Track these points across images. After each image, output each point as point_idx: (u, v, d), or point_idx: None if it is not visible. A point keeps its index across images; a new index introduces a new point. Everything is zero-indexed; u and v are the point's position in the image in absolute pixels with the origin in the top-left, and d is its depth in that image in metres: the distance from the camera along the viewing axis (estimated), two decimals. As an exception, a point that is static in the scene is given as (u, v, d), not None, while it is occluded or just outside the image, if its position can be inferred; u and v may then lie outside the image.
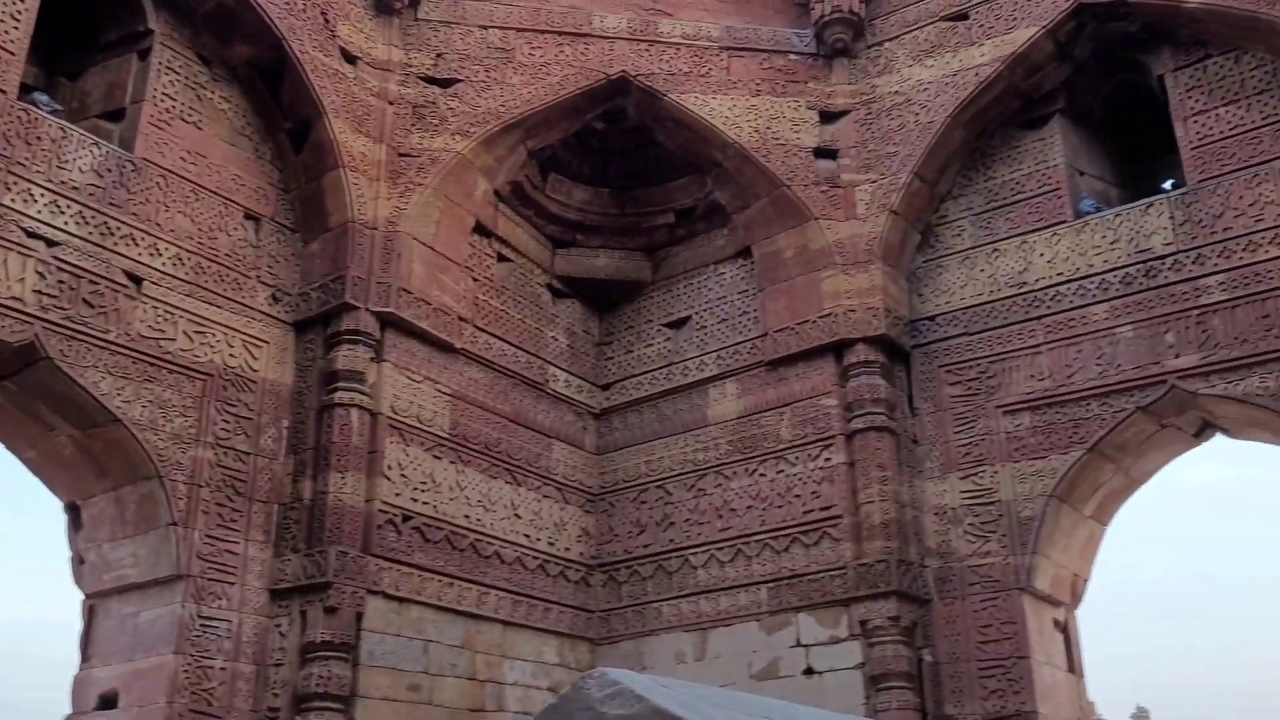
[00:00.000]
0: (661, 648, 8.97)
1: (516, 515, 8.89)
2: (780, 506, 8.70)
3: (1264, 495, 36.03)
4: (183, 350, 7.35)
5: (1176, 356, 7.73)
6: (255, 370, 7.79)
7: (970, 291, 8.75)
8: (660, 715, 2.48)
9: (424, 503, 8.14)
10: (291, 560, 7.49)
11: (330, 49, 8.33)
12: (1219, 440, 8.25)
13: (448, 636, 8.07)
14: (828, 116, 9.32)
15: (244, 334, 7.76)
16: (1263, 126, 7.87)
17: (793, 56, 9.51)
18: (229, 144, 8.05)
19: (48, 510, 36.98)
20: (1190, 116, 8.18)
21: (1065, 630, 8.46)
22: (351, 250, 8.03)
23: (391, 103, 8.69)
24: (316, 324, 8.09)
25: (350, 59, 8.50)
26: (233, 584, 7.28)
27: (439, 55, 8.98)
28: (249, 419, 7.67)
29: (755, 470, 8.92)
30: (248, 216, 8.03)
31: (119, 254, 7.11)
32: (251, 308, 7.87)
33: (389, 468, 7.94)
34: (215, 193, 7.83)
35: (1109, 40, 8.56)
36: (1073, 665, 8.45)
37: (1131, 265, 8.07)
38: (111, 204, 7.13)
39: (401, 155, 8.59)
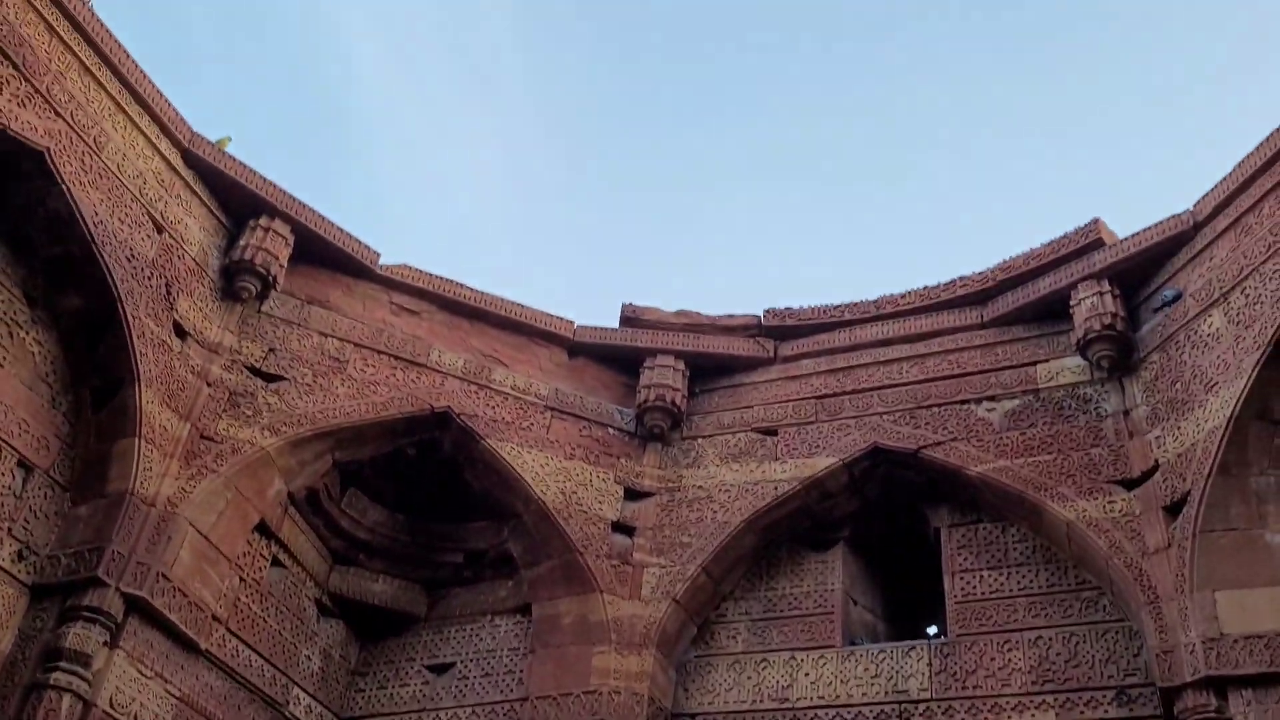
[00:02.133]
0: None
1: (214, 847, 8.01)
2: None
3: None
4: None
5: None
6: (-29, 628, 7.09)
7: (734, 696, 8.78)
8: None
9: (114, 815, 7.28)
10: None
11: (164, 319, 8.29)
12: None
13: None
14: (632, 494, 9.61)
15: (-28, 586, 7.12)
16: (1019, 596, 8.46)
17: (611, 430, 9.92)
18: (27, 387, 7.73)
19: None
20: (958, 572, 8.76)
21: None
22: (120, 523, 7.60)
23: (210, 384, 8.59)
24: (56, 592, 7.47)
25: (181, 333, 8.46)
26: None
27: (271, 350, 9.02)
28: (-54, 681, 6.88)
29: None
30: (21, 464, 7.58)
31: None
32: (-9, 560, 7.27)
33: (86, 768, 7.13)
34: (-6, 432, 7.43)
35: (898, 485, 9.24)
36: None
37: (888, 703, 8.30)
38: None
39: (204, 438, 8.38)
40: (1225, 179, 8.22)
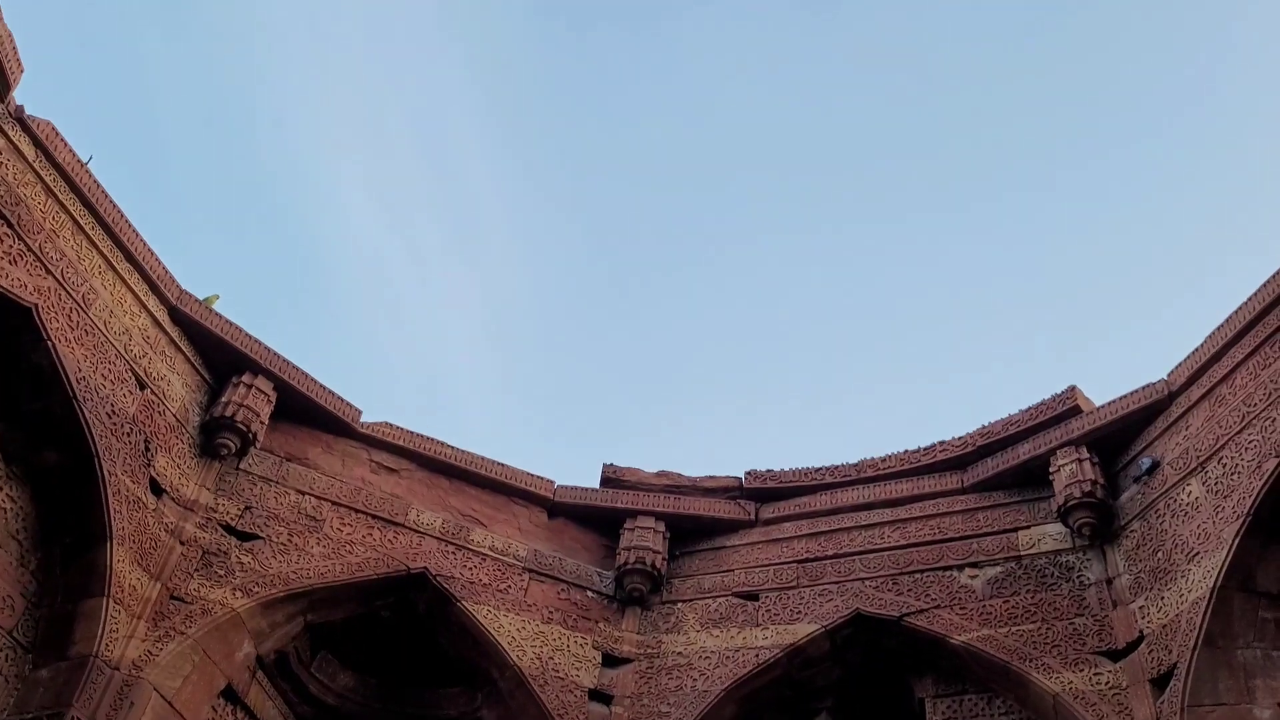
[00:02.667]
0: None
1: None
2: None
3: None
4: None
5: None
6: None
7: None
8: None
9: None
10: None
11: (141, 477, 8.22)
12: None
13: None
14: (611, 660, 9.41)
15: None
16: (1007, 770, 8.25)
17: (590, 593, 9.77)
18: (-5, 544, 7.62)
19: None
20: (944, 745, 8.54)
21: None
22: (83, 688, 7.36)
23: (183, 543, 8.46)
24: (10, 761, 7.22)
25: (158, 490, 8.38)
26: None
27: (248, 508, 8.92)
28: None
29: None
30: (-17, 625, 7.41)
31: None
32: (-56, 726, 7.01)
33: None
34: (-42, 591, 7.26)
35: (881, 653, 9.08)
36: None
37: None
38: None
39: (174, 598, 8.21)
40: (1198, 349, 8.38)
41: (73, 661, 7.56)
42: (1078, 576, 8.56)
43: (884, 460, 9.89)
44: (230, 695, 8.56)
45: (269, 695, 8.96)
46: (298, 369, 9.41)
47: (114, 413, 8.09)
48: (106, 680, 7.54)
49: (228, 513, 8.84)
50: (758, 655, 9.06)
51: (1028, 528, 9.00)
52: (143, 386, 8.45)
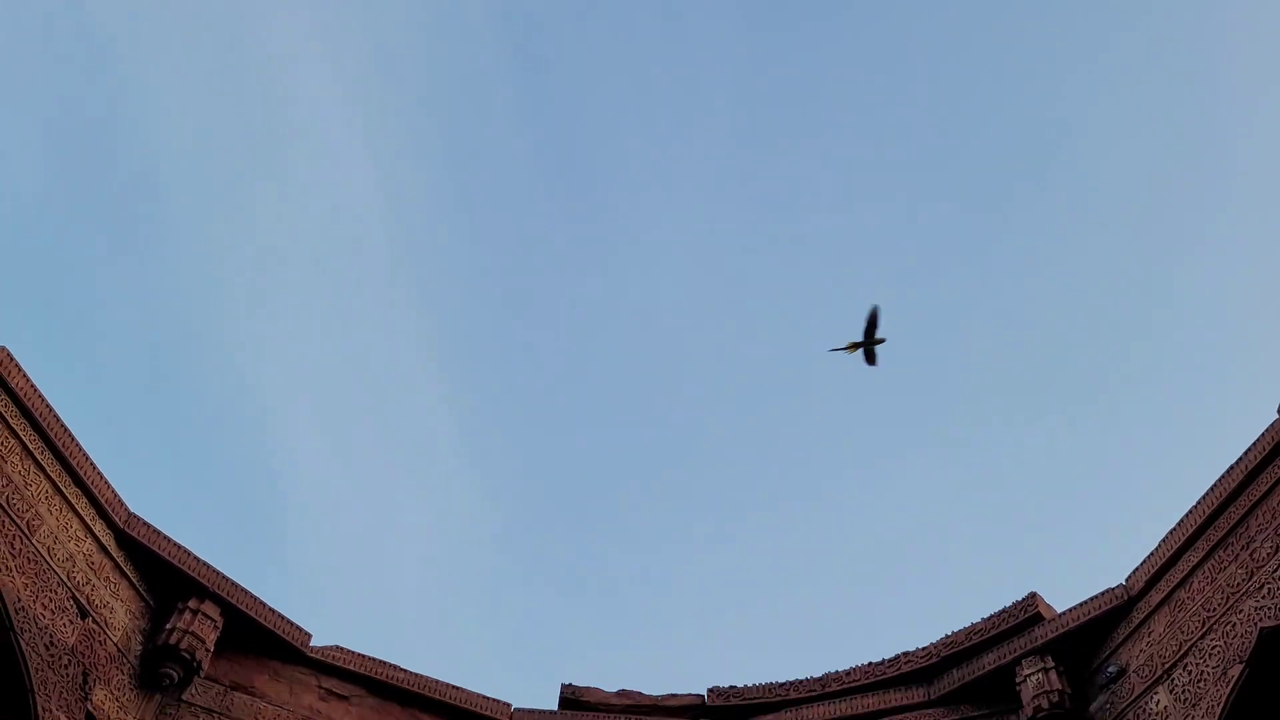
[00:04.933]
0: None
1: None
2: None
3: None
4: None
5: None
6: None
7: None
8: None
9: None
10: None
11: (76, 711, 7.83)
12: None
13: None
14: None
15: None
16: None
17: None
18: (-85, 790, 7.16)
19: None
20: None
21: None
22: None
23: (118, 782, 8.01)
24: None
25: (93, 726, 7.99)
26: None
27: (189, 742, 8.50)
28: None
29: None
30: None
31: None
32: None
33: None
34: None
35: None
36: None
37: None
38: None
39: (105, 845, 7.71)
40: (1153, 553, 8.43)
41: None
42: (1054, 792, 8.30)
43: (848, 674, 9.70)
44: None
45: None
46: (247, 592, 9.16)
47: (52, 644, 7.78)
48: None
49: (167, 748, 8.41)
50: None
51: (999, 742, 8.79)
52: (84, 615, 8.17)
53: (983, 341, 24.23)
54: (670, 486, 25.75)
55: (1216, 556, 7.90)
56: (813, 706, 9.59)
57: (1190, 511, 8.22)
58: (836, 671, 9.79)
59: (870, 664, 9.68)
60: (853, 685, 9.61)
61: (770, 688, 9.88)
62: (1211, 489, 8.05)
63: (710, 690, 9.99)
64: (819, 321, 24.84)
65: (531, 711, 9.90)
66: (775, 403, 25.31)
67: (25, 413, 7.94)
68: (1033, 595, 9.09)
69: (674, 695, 10.09)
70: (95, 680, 8.09)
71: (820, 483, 25.41)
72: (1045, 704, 8.38)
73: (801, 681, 9.85)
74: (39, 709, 7.53)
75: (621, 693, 10.11)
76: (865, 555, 25.16)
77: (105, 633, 8.32)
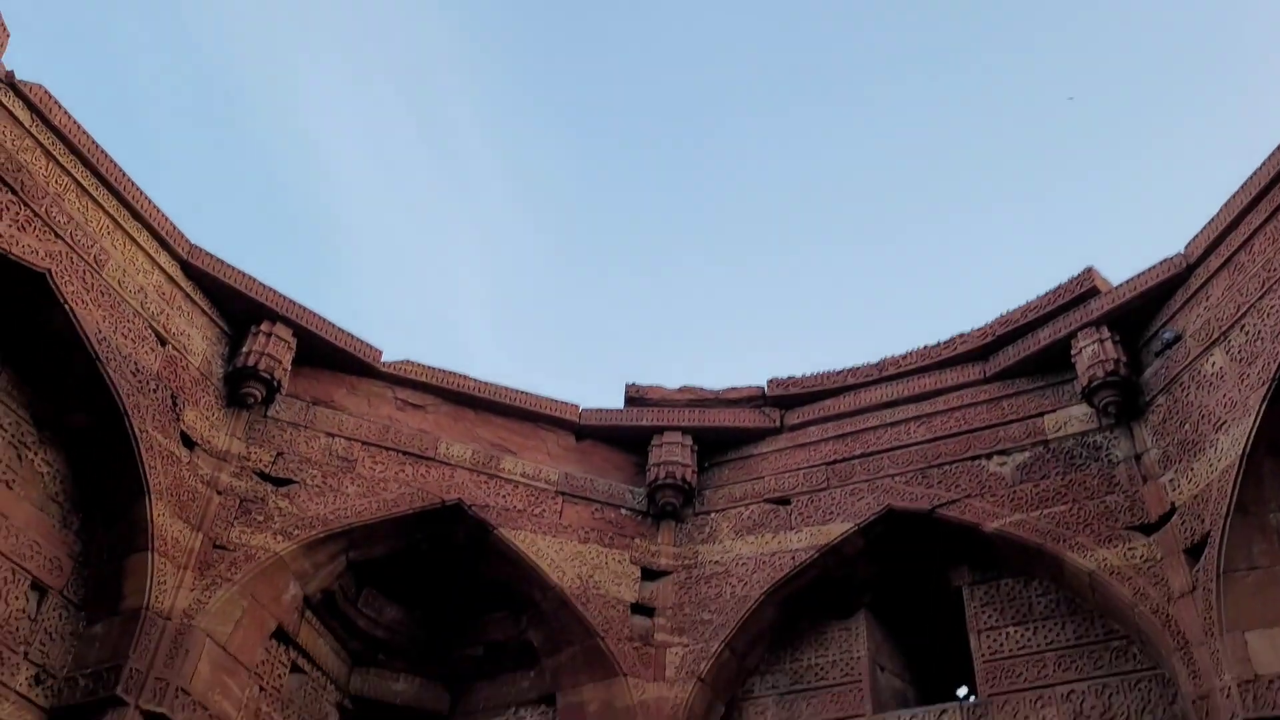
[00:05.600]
0: None
1: None
2: None
3: None
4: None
5: None
6: (-10, 758, 6.99)
7: (767, 776, 8.63)
8: None
9: None
10: None
11: (171, 431, 8.31)
12: None
13: None
14: (649, 574, 9.54)
15: (-10, 716, 7.04)
16: (1047, 651, 8.35)
17: (624, 511, 9.88)
18: (37, 508, 7.73)
19: None
20: (983, 630, 8.65)
21: None
22: (138, 639, 7.54)
23: (220, 492, 8.58)
24: (76, 714, 7.39)
25: (189, 443, 8.47)
26: None
27: (280, 454, 9.02)
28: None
29: None
30: (34, 587, 7.54)
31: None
32: (8, 687, 7.19)
33: None
34: (7, 556, 7.40)
35: (915, 546, 9.17)
36: None
37: (924, 770, 8.16)
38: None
39: (217, 547, 8.35)
40: (1215, 218, 8.30)
41: (125, 615, 7.72)
42: (1106, 455, 8.59)
43: (905, 357, 9.89)
44: (282, 636, 8.74)
45: (319, 633, 9.15)
46: (315, 314, 9.44)
47: (138, 371, 8.16)
48: (160, 630, 7.70)
49: (261, 460, 8.94)
50: (794, 557, 9.17)
51: (1053, 411, 9.01)
52: (163, 343, 8.51)
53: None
54: (724, 180, 25.55)
55: (1279, 218, 7.77)
56: (871, 390, 9.85)
57: (1254, 173, 8.02)
58: (893, 356, 9.98)
59: (926, 347, 9.85)
60: (909, 368, 9.81)
61: (828, 375, 10.14)
62: (1277, 149, 7.81)
63: (770, 381, 10.29)
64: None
65: (599, 410, 10.31)
66: (830, 107, 24.63)
67: (73, 150, 7.99)
68: (1089, 270, 9.07)
69: (735, 388, 10.41)
70: (184, 402, 8.53)
71: (872, 164, 25.08)
72: (1100, 373, 8.51)
73: (859, 368, 10.08)
74: (136, 431, 7.99)
75: (684, 389, 10.44)
76: (919, 241, 25.12)
77: (185, 358, 8.69)
